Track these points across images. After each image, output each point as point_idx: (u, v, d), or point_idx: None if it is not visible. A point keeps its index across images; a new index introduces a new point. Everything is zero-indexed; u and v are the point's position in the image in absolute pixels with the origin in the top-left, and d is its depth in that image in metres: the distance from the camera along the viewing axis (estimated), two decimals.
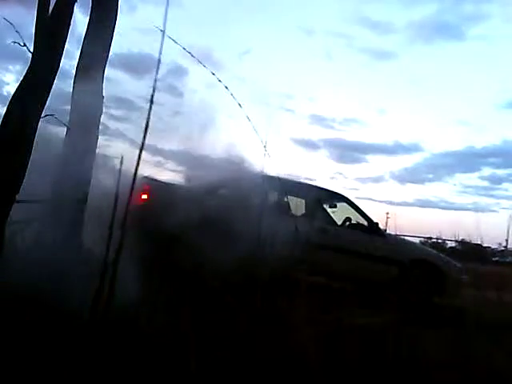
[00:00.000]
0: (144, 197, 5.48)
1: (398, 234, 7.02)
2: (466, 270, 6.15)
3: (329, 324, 3.31)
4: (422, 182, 36.29)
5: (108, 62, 4.71)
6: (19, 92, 4.24)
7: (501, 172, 35.77)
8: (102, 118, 4.71)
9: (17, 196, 4.14)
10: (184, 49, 4.65)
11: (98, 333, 1.66)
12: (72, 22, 4.51)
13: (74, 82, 4.58)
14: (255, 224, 4.75)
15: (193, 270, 4.37)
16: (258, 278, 3.73)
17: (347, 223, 6.17)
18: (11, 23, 4.57)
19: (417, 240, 9.15)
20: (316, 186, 6.43)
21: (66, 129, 4.58)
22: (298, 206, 6.35)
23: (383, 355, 2.73)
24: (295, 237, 5.58)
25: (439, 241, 13.26)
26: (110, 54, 4.71)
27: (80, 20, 4.86)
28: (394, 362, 2.65)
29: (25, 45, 4.54)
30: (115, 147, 5.91)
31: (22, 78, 4.29)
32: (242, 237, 4.65)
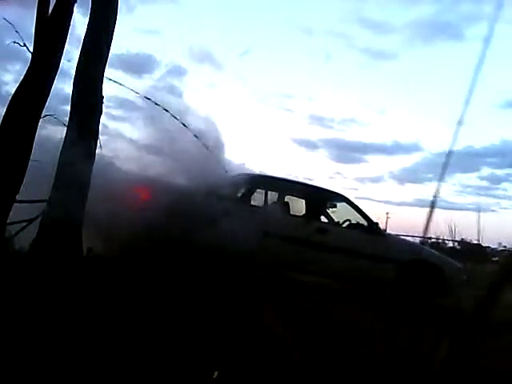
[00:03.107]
0: (143, 196, 5.47)
1: (397, 233, 7.03)
2: (466, 269, 6.14)
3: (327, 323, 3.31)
4: (421, 181, 36.22)
5: (108, 62, 4.72)
6: (19, 92, 4.24)
7: (500, 172, 35.67)
8: (102, 118, 4.72)
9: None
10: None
11: None
12: (72, 22, 4.52)
13: (73, 82, 4.57)
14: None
15: None
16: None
17: (347, 223, 6.16)
18: (11, 23, 4.58)
19: (417, 240, 9.13)
20: (315, 186, 6.43)
21: (65, 129, 4.58)
22: (297, 205, 6.36)
23: (383, 355, 2.73)
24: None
25: (439, 241, 13.23)
26: (110, 54, 4.72)
27: (80, 20, 4.86)
28: (393, 363, 2.65)
29: (25, 45, 4.55)
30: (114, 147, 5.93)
31: (21, 78, 4.29)
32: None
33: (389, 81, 35.05)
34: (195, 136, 5.48)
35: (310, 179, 6.43)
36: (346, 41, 36.07)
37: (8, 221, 4.18)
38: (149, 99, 5.43)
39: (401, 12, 34.90)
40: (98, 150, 4.66)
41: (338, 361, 2.58)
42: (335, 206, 6.34)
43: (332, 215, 6.34)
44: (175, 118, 5.42)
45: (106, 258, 4.84)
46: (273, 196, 6.41)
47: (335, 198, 6.33)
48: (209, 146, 5.55)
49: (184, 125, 5.44)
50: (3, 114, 4.18)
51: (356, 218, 6.05)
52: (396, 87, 34.88)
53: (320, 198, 6.29)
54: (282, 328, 2.76)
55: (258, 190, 6.21)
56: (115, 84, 5.62)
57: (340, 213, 6.26)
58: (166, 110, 5.37)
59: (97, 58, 4.55)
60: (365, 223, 5.96)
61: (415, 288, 5.63)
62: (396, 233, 6.67)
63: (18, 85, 4.28)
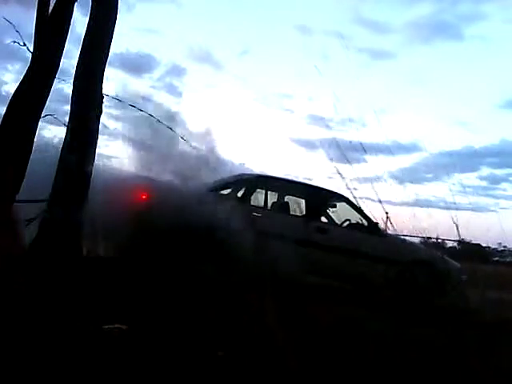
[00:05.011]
0: (143, 196, 5.46)
1: (397, 234, 7.00)
2: (465, 270, 6.13)
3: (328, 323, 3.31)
4: (420, 181, 36.09)
5: (108, 61, 4.71)
6: (19, 92, 4.25)
7: (499, 172, 35.66)
8: (102, 118, 4.72)
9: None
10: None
11: None
12: (72, 22, 4.53)
13: (73, 82, 4.57)
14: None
15: None
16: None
17: (347, 223, 6.16)
18: (11, 23, 4.58)
19: (416, 240, 9.11)
20: (315, 186, 6.42)
21: (65, 128, 4.58)
22: (297, 205, 6.35)
23: (384, 355, 2.73)
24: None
25: (439, 241, 13.21)
26: (110, 53, 4.72)
27: (80, 20, 4.86)
28: (395, 363, 2.65)
29: (25, 45, 4.56)
30: (114, 146, 5.94)
31: (21, 78, 4.29)
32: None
33: (388, 81, 35.01)
34: (182, 138, 5.55)
35: (310, 179, 6.38)
36: (345, 40, 35.96)
37: None
38: (133, 106, 5.48)
39: (399, 12, 34.87)
40: (97, 150, 4.66)
41: (335, 361, 2.58)
42: (335, 206, 6.33)
43: (332, 215, 6.34)
44: (160, 122, 5.48)
45: (106, 258, 4.84)
46: (272, 196, 6.41)
47: (335, 197, 6.32)
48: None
49: (170, 128, 5.50)
50: (3, 113, 4.19)
51: (356, 217, 6.05)
52: (396, 87, 34.84)
53: (320, 198, 6.29)
54: (277, 326, 2.76)
55: (258, 190, 6.21)
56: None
57: (340, 213, 6.26)
58: (151, 115, 5.42)
59: (97, 58, 4.55)
60: (365, 223, 5.96)
61: (415, 288, 5.64)
62: (396, 233, 6.64)
63: (18, 85, 4.29)
